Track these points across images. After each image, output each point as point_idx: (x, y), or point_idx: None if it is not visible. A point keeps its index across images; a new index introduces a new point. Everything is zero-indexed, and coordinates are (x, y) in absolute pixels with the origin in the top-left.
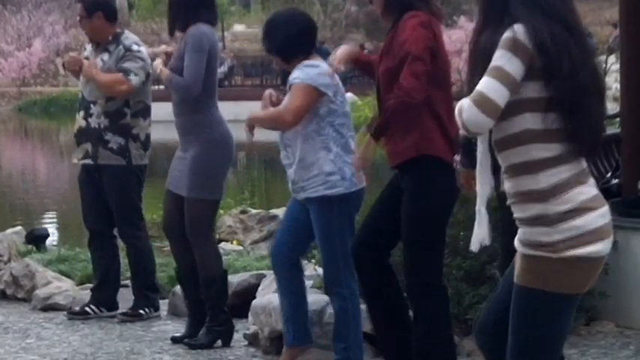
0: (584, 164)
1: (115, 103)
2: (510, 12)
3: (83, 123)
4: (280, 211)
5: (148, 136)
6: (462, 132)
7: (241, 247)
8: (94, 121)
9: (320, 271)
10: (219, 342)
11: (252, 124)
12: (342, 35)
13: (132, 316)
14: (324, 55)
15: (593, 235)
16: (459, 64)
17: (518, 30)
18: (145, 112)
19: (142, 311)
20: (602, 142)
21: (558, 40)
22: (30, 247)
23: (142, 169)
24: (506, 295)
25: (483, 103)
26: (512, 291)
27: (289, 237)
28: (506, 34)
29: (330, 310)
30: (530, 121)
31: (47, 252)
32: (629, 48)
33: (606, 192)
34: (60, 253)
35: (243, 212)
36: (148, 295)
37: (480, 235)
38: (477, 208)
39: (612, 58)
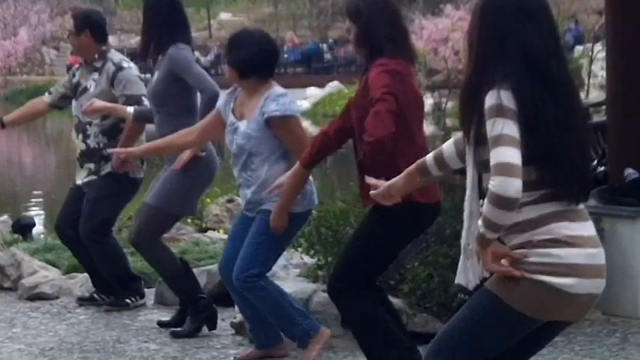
0: (575, 206)
1: (111, 120)
2: (504, 70)
3: (83, 146)
4: None
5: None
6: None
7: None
8: (92, 142)
9: (306, 259)
10: (205, 330)
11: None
12: (328, 24)
13: (118, 306)
14: (315, 48)
15: (569, 269)
16: (445, 53)
17: (503, 96)
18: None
19: (127, 300)
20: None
21: (539, 103)
22: (16, 236)
23: (135, 182)
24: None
25: (511, 170)
26: None
27: (235, 257)
28: (492, 101)
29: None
30: None
31: (33, 241)
32: (614, 36)
33: (593, 180)
34: (46, 243)
35: (229, 201)
36: (129, 285)
37: (463, 279)
38: (462, 245)
39: (598, 46)
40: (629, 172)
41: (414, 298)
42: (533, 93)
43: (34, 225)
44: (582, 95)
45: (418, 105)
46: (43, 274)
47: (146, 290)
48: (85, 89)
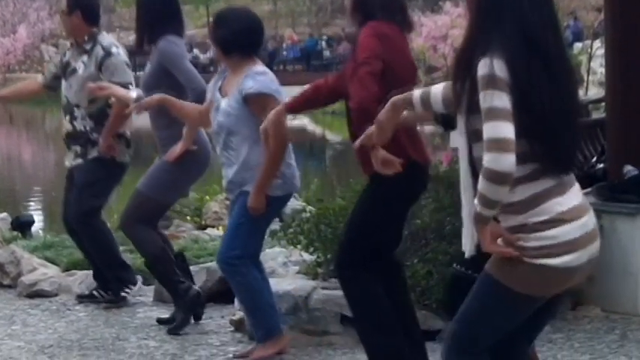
0: (562, 178)
1: (98, 104)
2: (499, 42)
3: (70, 127)
4: None
5: (130, 134)
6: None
7: None
8: (79, 124)
9: (306, 256)
10: (204, 327)
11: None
12: (327, 21)
13: (117, 302)
14: (314, 43)
15: (566, 247)
16: (444, 50)
17: (496, 65)
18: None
19: (123, 294)
20: (588, 127)
21: (533, 77)
22: (15, 233)
23: (121, 166)
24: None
25: (505, 145)
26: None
27: None
28: (485, 70)
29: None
30: None
31: (33, 238)
32: (613, 32)
33: (592, 176)
34: (46, 240)
35: (228, 198)
36: (120, 275)
37: (468, 244)
38: (463, 215)
39: (597, 43)
40: (629, 169)
41: (414, 295)
42: (529, 67)
43: (33, 222)
44: (581, 92)
45: (409, 70)
46: (43, 272)
47: (145, 287)
48: (74, 70)
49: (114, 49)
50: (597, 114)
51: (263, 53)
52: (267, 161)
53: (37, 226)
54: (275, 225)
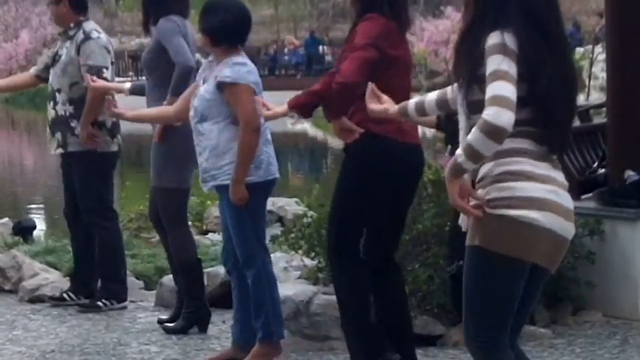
0: (549, 153)
1: (78, 90)
2: (506, 19)
3: (53, 113)
4: (268, 202)
5: (114, 124)
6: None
7: None
8: (60, 109)
9: (307, 261)
10: (209, 335)
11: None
12: (328, 25)
13: (89, 307)
14: (315, 44)
15: (530, 202)
16: (445, 54)
17: (507, 37)
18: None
19: (99, 303)
20: (589, 132)
21: (537, 52)
22: (17, 238)
23: (109, 157)
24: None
25: (506, 103)
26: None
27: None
28: (495, 40)
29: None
30: None
31: (34, 243)
32: (614, 37)
33: (593, 181)
34: (47, 245)
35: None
36: (109, 286)
37: (465, 224)
38: None
39: (599, 48)
40: (630, 174)
41: (415, 300)
42: (533, 44)
43: (34, 227)
44: (583, 97)
45: (404, 65)
46: (44, 277)
47: (146, 292)
48: (60, 57)
49: (94, 34)
50: (599, 119)
51: (264, 58)
52: (239, 152)
53: (39, 231)
54: (276, 230)
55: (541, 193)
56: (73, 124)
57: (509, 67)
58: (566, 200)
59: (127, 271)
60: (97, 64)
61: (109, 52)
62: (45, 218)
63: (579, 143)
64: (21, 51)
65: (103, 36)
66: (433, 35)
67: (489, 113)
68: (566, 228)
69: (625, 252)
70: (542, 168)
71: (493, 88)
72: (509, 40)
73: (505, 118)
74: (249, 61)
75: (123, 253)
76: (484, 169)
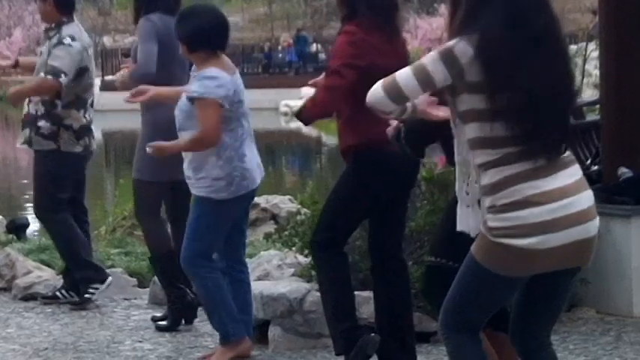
0: (545, 161)
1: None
2: (483, 20)
3: (26, 109)
4: (262, 199)
5: (83, 127)
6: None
7: None
8: (32, 108)
9: (301, 258)
10: (202, 333)
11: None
12: (322, 24)
13: (80, 304)
14: (303, 42)
15: (531, 229)
16: None
17: (459, 45)
18: (79, 104)
19: (87, 295)
20: (582, 129)
21: (516, 54)
22: (10, 236)
23: (72, 157)
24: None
25: (389, 86)
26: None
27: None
28: (449, 43)
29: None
30: (477, 129)
31: (28, 241)
32: (608, 35)
33: (586, 179)
34: (41, 243)
35: None
36: (85, 274)
37: (464, 226)
38: (457, 193)
39: (592, 45)
40: (623, 171)
41: None
42: (513, 43)
43: (28, 225)
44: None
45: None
46: (38, 275)
47: (140, 290)
48: (42, 55)
49: (66, 40)
50: (592, 116)
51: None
52: (188, 141)
53: (32, 229)
54: (270, 227)
55: (546, 215)
56: (39, 124)
57: (434, 65)
58: (579, 203)
59: (119, 267)
60: (56, 65)
61: (82, 58)
62: None
63: (573, 141)
64: (14, 49)
65: (78, 43)
66: (427, 33)
67: (376, 85)
68: (579, 231)
69: (619, 249)
70: (547, 183)
71: (403, 72)
72: (460, 49)
73: (376, 97)
74: (222, 74)
75: (78, 238)
76: (488, 202)
